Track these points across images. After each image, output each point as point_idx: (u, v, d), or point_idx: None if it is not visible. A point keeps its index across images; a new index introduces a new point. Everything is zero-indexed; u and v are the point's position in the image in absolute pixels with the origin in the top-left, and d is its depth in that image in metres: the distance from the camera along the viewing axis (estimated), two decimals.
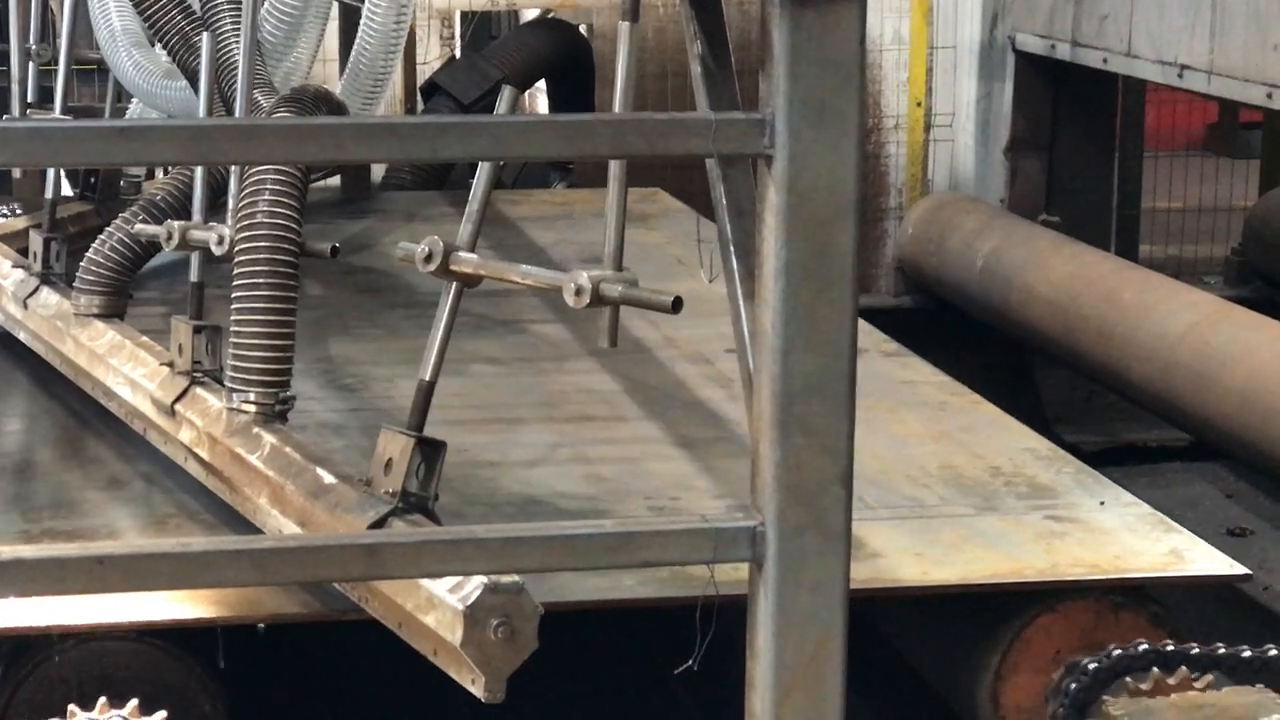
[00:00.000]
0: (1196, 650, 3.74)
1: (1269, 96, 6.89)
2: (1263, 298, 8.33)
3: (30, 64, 6.32)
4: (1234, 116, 13.42)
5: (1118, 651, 3.76)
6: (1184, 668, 3.67)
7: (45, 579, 2.52)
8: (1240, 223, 9.20)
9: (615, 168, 3.54)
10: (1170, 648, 3.72)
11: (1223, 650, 3.71)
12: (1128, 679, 3.73)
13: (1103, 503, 4.69)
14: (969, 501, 4.68)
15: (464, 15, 10.23)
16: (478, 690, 3.37)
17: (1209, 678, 3.69)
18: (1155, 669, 3.69)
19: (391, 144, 2.66)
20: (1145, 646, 3.78)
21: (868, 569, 4.23)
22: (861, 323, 6.46)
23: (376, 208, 8.36)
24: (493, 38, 10.34)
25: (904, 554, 4.34)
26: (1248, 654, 3.74)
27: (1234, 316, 6.60)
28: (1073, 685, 3.74)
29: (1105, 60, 8.18)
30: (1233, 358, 6.23)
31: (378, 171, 9.00)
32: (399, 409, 4.23)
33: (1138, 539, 4.47)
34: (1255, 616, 5.66)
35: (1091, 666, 3.75)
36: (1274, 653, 3.72)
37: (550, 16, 9.93)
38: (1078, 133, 9.13)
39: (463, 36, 10.36)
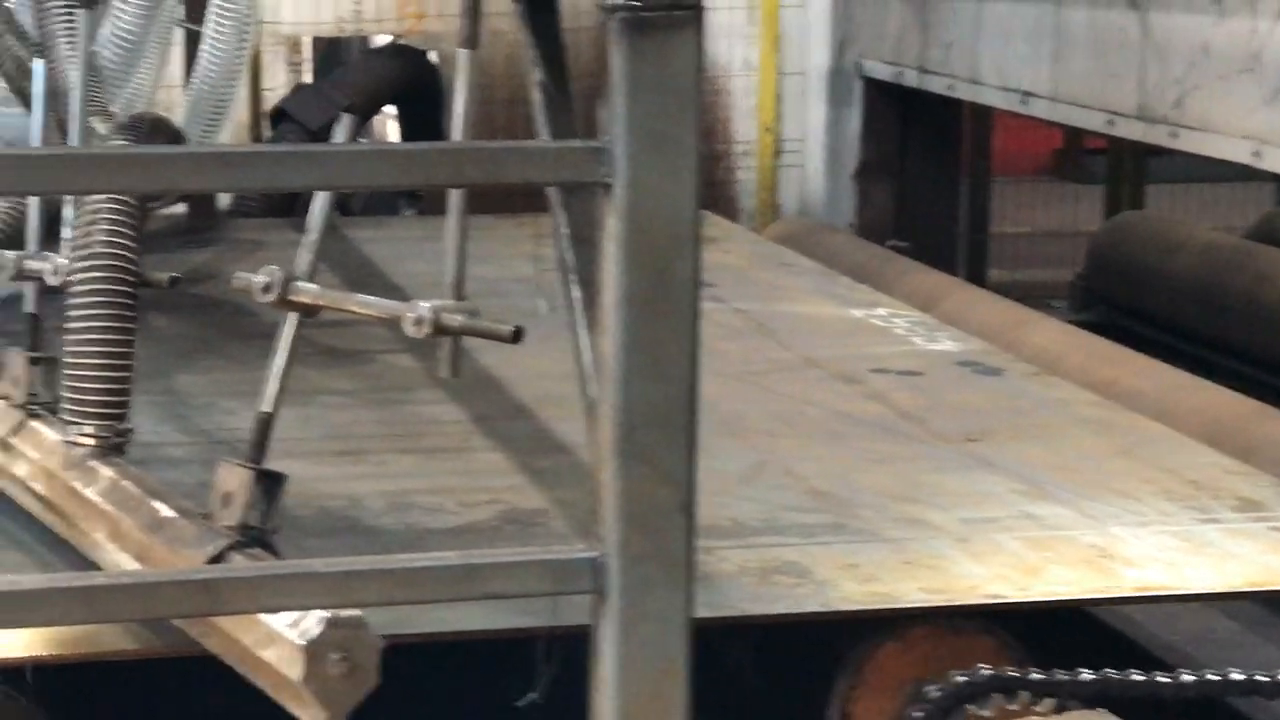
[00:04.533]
0: (1037, 675, 3.75)
1: (1109, 123, 6.98)
2: (1107, 322, 8.41)
3: None
4: (1079, 142, 13.59)
5: (960, 678, 3.76)
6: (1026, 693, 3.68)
7: None
8: (1085, 248, 9.30)
9: (455, 196, 3.52)
10: (1012, 673, 3.73)
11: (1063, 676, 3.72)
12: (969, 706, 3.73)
13: None
14: (1188, 514, 4.74)
15: (312, 41, 10.17)
16: None
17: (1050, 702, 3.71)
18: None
19: (225, 174, 2.59)
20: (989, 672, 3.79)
21: (1132, 580, 4.33)
22: (990, 346, 6.56)
23: (222, 236, 8.27)
24: (341, 64, 10.27)
25: (1154, 562, 4.41)
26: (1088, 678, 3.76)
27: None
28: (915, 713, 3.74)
29: (951, 87, 8.25)
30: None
31: (224, 198, 8.91)
32: (241, 442, 4.18)
33: None
34: None
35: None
36: (1115, 676, 3.74)
37: (398, 43, 9.89)
38: (926, 158, 9.21)
39: (311, 63, 10.29)
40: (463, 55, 3.49)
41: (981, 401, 5.83)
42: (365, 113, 9.14)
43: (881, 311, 7.03)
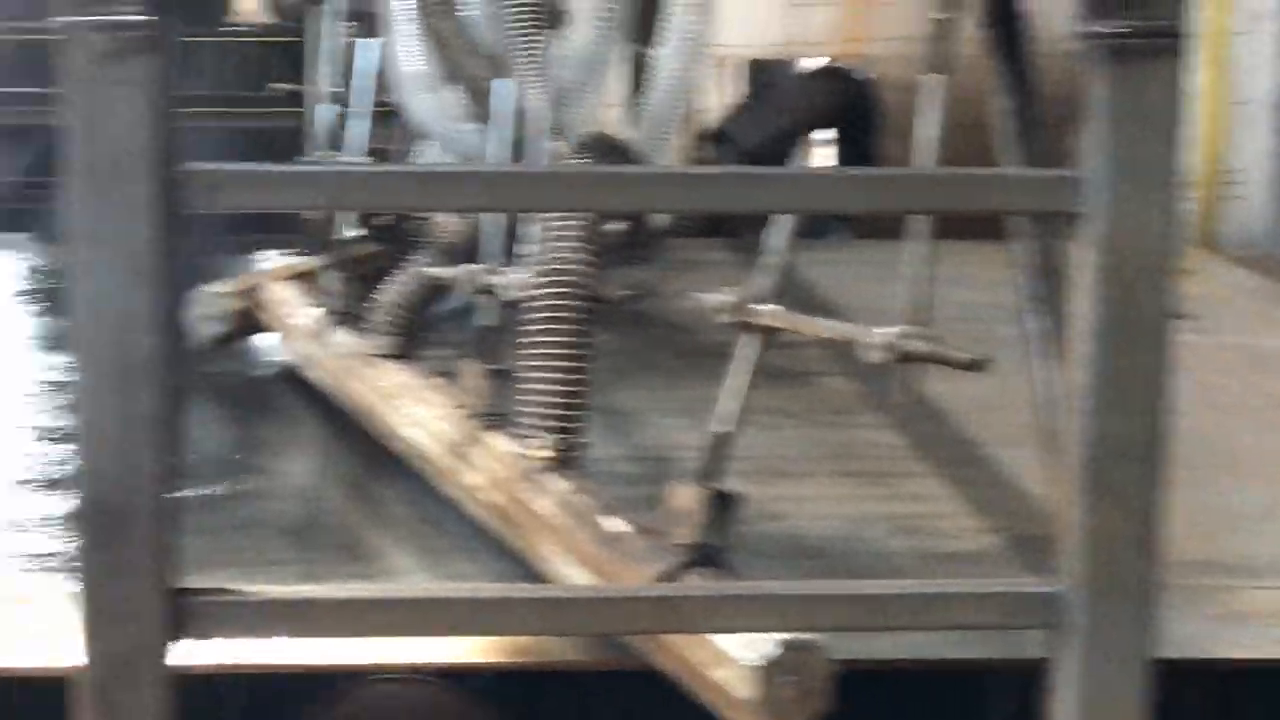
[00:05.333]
0: None
1: None
2: None
3: (333, 108, 6.43)
4: None
5: None
6: None
7: (335, 620, 2.51)
8: None
9: (918, 222, 3.49)
10: None
11: None
12: None
13: None
14: None
15: (747, 63, 10.25)
16: None
17: None
18: None
19: (682, 194, 2.62)
20: None
21: None
22: None
23: (657, 254, 8.36)
24: (774, 86, 10.33)
25: None
26: None
27: None
28: None
29: None
30: None
31: (662, 216, 9.01)
32: (687, 459, 4.22)
33: None
34: None
35: None
36: None
37: (834, 65, 9.90)
38: None
39: (746, 84, 10.37)
40: (932, 80, 3.47)
41: None
42: (804, 135, 9.17)
43: None
